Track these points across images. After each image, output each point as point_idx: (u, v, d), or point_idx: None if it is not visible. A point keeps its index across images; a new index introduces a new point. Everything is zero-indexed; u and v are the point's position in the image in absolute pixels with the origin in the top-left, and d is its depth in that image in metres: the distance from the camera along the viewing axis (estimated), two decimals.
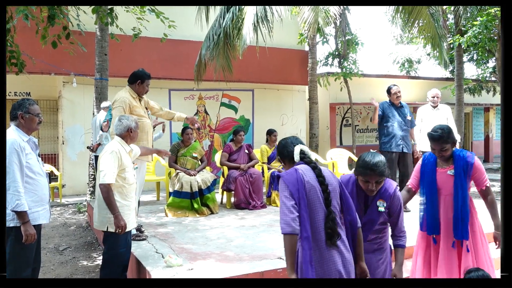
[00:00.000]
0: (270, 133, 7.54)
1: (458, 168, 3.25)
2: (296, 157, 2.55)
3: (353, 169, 2.90)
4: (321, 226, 2.39)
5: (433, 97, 6.94)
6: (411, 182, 3.54)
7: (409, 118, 6.48)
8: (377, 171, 2.66)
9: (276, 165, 7.34)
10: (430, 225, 3.34)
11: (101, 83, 7.53)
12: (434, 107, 6.92)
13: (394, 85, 6.56)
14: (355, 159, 7.94)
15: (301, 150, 2.56)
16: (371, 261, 2.81)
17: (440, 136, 3.24)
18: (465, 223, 3.21)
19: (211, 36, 8.22)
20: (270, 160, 7.47)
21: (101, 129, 5.55)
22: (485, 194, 3.30)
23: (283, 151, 2.65)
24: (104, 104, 7.08)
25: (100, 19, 5.57)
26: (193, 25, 8.71)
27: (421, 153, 6.96)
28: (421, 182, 3.44)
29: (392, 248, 2.97)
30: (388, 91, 6.53)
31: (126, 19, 6.73)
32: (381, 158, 2.74)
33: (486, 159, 17.16)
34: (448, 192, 3.31)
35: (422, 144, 6.91)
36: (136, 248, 4.33)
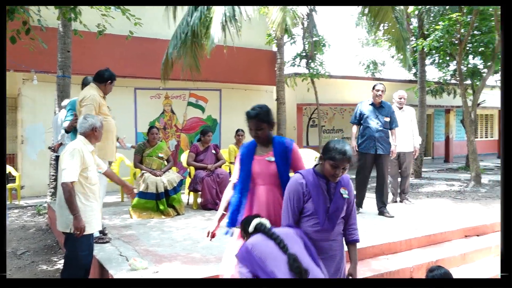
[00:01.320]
0: (237, 132, 7.60)
1: (277, 155, 3.08)
2: (251, 228, 2.79)
3: (317, 159, 2.93)
4: (287, 271, 2.51)
5: (400, 98, 7.07)
6: (234, 176, 3.28)
7: (386, 119, 6.17)
8: (347, 156, 2.74)
9: None
10: (232, 216, 3.17)
11: (63, 80, 7.32)
12: (400, 108, 7.05)
13: (380, 83, 6.32)
14: None
15: (258, 222, 2.79)
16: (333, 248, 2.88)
17: (257, 114, 3.07)
18: None
19: (179, 35, 8.11)
20: None
21: (65, 131, 5.24)
22: None
23: (246, 226, 2.86)
24: (65, 102, 6.86)
25: (62, 15, 5.38)
26: (160, 23, 8.58)
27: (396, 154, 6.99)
28: (240, 172, 3.20)
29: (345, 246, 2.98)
30: (373, 88, 6.27)
31: (90, 15, 6.56)
32: (348, 145, 2.82)
33: (446, 159, 17.70)
34: (266, 182, 3.09)
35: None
36: (99, 251, 4.21)
